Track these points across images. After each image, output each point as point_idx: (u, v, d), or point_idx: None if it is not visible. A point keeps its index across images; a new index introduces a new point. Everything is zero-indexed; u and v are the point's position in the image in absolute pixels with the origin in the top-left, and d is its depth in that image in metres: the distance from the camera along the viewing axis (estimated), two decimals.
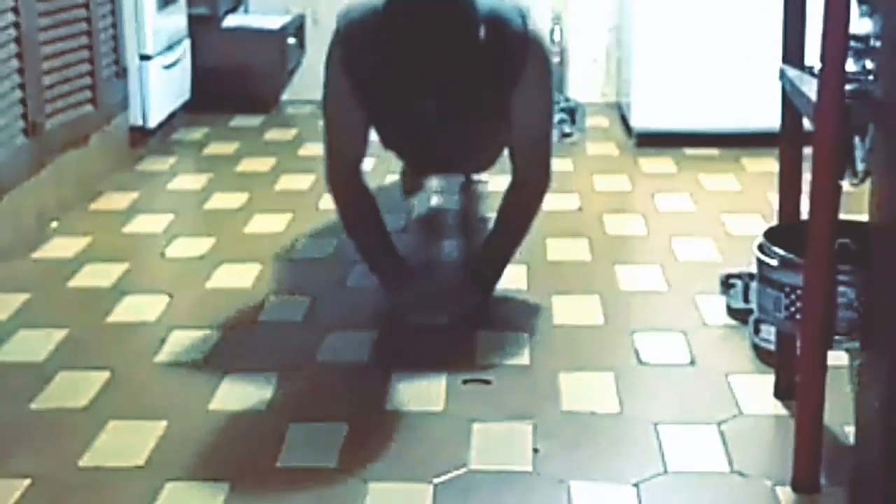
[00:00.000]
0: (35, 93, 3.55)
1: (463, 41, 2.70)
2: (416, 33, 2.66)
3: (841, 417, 2.32)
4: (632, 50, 4.62)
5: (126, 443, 2.36)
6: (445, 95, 2.78)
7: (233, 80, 5.10)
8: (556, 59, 5.22)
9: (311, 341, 2.84)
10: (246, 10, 5.45)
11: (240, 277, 3.25)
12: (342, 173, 3.05)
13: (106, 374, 2.66)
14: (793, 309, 2.15)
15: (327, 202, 3.82)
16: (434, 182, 4.00)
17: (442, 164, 3.45)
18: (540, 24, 2.98)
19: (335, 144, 3.05)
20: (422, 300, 3.03)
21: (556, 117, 4.74)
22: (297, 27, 5.31)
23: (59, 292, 3.18)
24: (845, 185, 2.07)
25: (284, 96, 5.41)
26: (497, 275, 3.06)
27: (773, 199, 2.59)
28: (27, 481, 2.22)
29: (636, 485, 2.20)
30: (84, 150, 3.98)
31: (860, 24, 2.03)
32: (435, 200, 3.88)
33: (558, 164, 4.29)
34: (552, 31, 5.22)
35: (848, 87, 1.99)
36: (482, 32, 2.74)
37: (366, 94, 2.87)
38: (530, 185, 3.03)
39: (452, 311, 2.98)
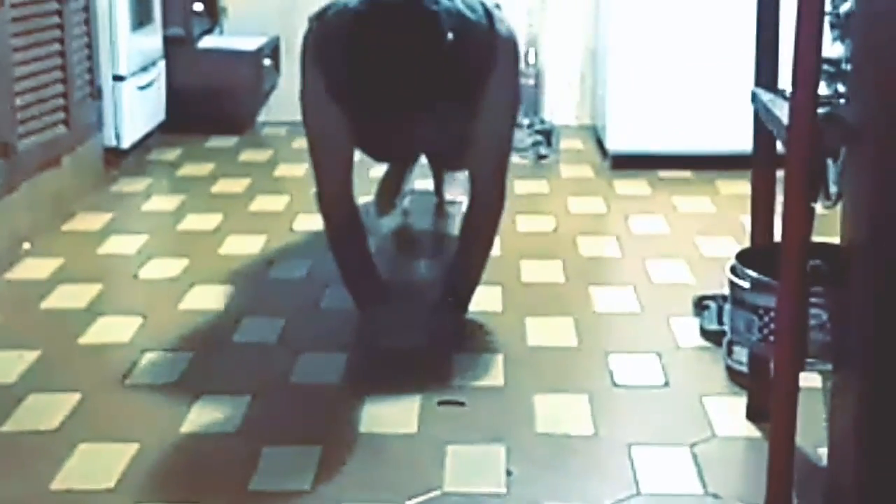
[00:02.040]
0: (8, 113, 3.54)
1: (429, 49, 2.70)
2: (384, 42, 2.67)
3: (814, 439, 2.32)
4: (607, 73, 4.64)
5: (97, 465, 2.34)
6: (414, 97, 2.78)
7: (208, 102, 5.09)
8: (531, 82, 5.25)
9: (285, 363, 2.83)
10: (221, 32, 5.45)
11: (213, 299, 3.24)
12: (332, 187, 3.05)
13: (77, 396, 2.64)
14: (765, 331, 2.16)
15: (302, 223, 3.83)
16: (408, 203, 4.00)
17: (413, 152, 3.47)
18: (507, 20, 2.99)
19: (321, 160, 3.05)
20: (396, 321, 3.02)
21: (531, 139, 4.75)
22: (273, 49, 5.31)
23: (31, 313, 3.16)
24: (818, 207, 2.08)
25: (260, 118, 5.41)
26: (468, 295, 3.06)
27: (747, 221, 2.60)
28: None
29: None
30: (57, 171, 3.96)
31: (832, 48, 2.04)
32: (409, 221, 3.88)
33: (533, 186, 4.31)
34: (527, 54, 5.24)
35: (820, 110, 2.00)
36: (449, 36, 2.74)
37: (337, 89, 2.87)
38: (487, 202, 3.06)
39: (426, 333, 2.97)
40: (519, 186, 4.26)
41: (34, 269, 3.47)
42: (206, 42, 5.22)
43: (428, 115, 2.88)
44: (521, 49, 3.00)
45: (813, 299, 2.08)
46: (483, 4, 2.94)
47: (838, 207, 1.99)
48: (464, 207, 3.54)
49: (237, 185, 4.38)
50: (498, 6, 3.03)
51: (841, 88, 2.03)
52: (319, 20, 2.93)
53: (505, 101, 2.99)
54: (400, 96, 2.73)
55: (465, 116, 2.94)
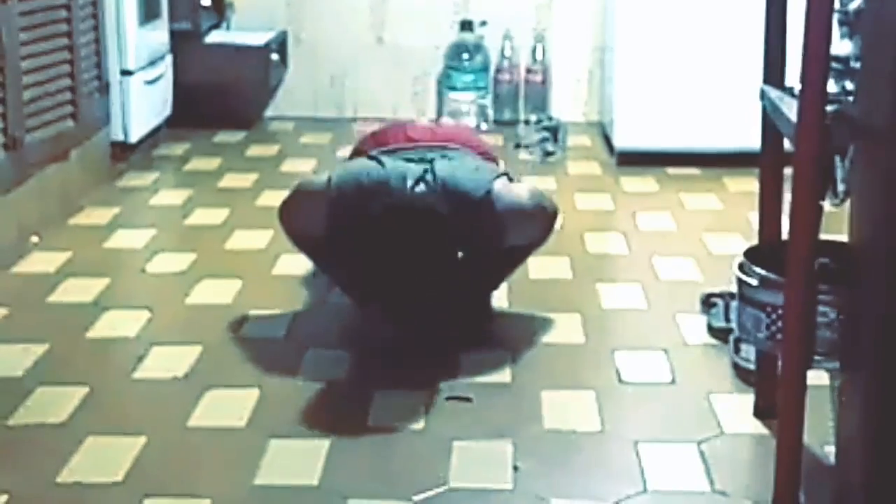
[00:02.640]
0: (15, 107, 3.54)
1: (441, 257, 2.80)
2: (399, 245, 2.78)
3: (821, 437, 2.32)
4: (614, 69, 4.64)
5: (104, 459, 2.35)
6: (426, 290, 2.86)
7: (215, 96, 5.09)
8: (539, 79, 5.25)
9: (292, 358, 2.83)
10: (229, 27, 5.45)
11: (220, 293, 3.24)
12: (298, 223, 3.03)
13: (85, 390, 2.65)
14: (773, 328, 2.16)
15: None
16: None
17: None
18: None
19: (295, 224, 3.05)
20: (405, 317, 3.02)
21: (539, 136, 4.75)
22: (280, 43, 5.31)
23: (38, 307, 3.16)
24: (826, 205, 2.08)
25: (267, 112, 5.41)
26: (487, 296, 3.08)
27: (754, 218, 2.60)
28: (4, 497, 2.20)
29: (616, 503, 2.19)
30: (65, 165, 3.97)
31: (841, 45, 2.04)
32: None
33: (540, 183, 4.30)
34: (535, 50, 5.24)
35: (828, 107, 2.00)
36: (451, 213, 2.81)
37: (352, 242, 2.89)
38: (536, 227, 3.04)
39: (434, 328, 2.97)
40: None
41: (42, 262, 3.48)
42: (214, 37, 5.22)
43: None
44: (528, 216, 2.97)
45: (821, 297, 2.08)
46: (487, 183, 2.91)
47: (846, 205, 1.99)
48: None
49: (244, 180, 4.39)
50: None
51: (849, 86, 2.03)
52: (340, 180, 2.92)
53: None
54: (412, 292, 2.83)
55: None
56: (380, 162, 2.92)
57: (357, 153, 3.18)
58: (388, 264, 2.80)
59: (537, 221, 2.97)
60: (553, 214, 3.03)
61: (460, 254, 2.89)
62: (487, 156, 3.19)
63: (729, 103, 4.40)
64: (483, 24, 5.18)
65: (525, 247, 3.01)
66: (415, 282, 2.80)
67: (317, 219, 2.89)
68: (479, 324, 3.04)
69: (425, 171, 2.87)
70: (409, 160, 2.93)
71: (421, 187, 2.84)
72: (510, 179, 2.99)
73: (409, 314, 2.89)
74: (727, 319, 2.90)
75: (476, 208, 2.84)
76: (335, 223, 2.87)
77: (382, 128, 3.32)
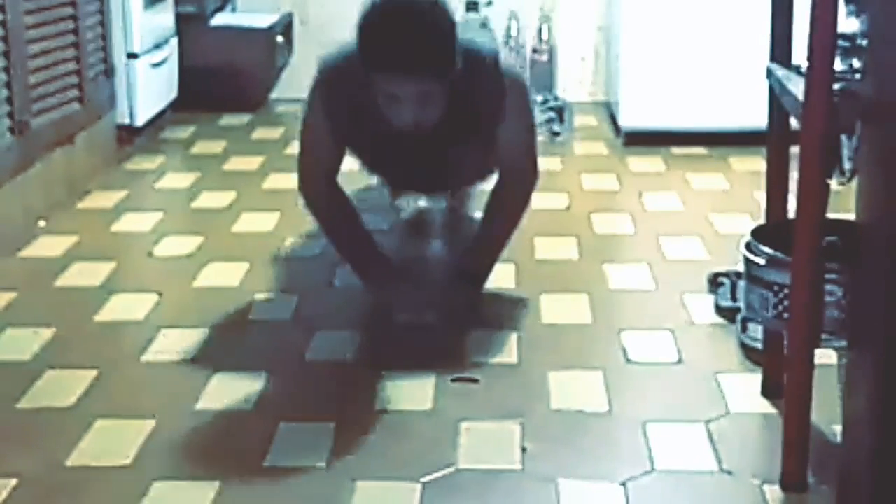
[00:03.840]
0: (21, 91, 3.54)
1: (440, 71, 2.70)
2: (395, 60, 2.67)
3: (828, 416, 2.32)
4: (620, 49, 4.63)
5: (113, 442, 2.36)
6: (426, 130, 2.79)
7: (221, 79, 5.09)
8: (544, 59, 5.24)
9: (300, 340, 2.84)
10: (234, 9, 5.44)
11: (228, 276, 3.25)
12: (314, 182, 3.05)
13: (93, 374, 2.65)
14: (780, 307, 2.16)
15: None
16: None
17: (427, 188, 3.48)
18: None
19: (308, 160, 3.07)
20: (408, 299, 3.02)
21: (545, 116, 4.74)
22: (286, 26, 5.30)
23: (46, 291, 3.17)
24: (833, 183, 2.07)
25: (272, 95, 5.41)
26: (486, 273, 3.06)
27: (761, 197, 2.59)
28: (14, 481, 2.21)
29: (624, 483, 2.20)
30: (71, 149, 3.97)
31: (847, 22, 2.03)
32: (422, 200, 3.87)
33: (547, 164, 4.29)
34: (540, 30, 5.23)
35: (835, 85, 2.00)
36: (459, 65, 2.74)
37: (346, 134, 2.91)
38: (518, 181, 3.03)
39: (441, 310, 2.98)
40: None
41: (49, 246, 3.49)
42: (219, 19, 5.21)
43: (438, 152, 2.89)
44: (530, 92, 2.98)
45: (828, 276, 2.08)
46: (490, 47, 2.93)
47: (853, 184, 1.99)
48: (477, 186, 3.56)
49: (250, 163, 4.39)
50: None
51: (856, 64, 2.02)
52: (327, 62, 2.94)
53: (522, 129, 2.99)
54: (412, 127, 2.75)
55: (478, 154, 2.96)
56: None
57: None
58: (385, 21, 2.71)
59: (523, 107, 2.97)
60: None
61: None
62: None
63: (735, 82, 4.39)
64: (489, 3, 5.17)
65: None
66: (412, 107, 2.73)
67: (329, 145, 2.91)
68: (482, 306, 3.03)
69: None
70: None
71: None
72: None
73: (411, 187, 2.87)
74: (734, 299, 2.90)
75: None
76: (332, 104, 2.87)
77: None
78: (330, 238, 3.12)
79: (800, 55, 2.16)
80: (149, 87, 4.52)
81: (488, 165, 3.10)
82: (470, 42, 2.86)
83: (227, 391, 2.58)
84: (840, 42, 2.01)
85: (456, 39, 2.72)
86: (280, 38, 5.20)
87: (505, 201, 3.06)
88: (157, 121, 4.73)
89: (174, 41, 4.88)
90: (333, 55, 2.93)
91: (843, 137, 2.02)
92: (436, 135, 2.81)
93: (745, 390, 2.55)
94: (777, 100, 2.36)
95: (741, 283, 2.32)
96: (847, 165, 2.03)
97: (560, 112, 4.78)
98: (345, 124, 2.90)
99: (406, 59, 2.65)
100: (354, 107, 2.84)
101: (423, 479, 2.21)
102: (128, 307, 3.03)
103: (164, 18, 4.77)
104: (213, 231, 3.63)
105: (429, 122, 2.76)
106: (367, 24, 2.70)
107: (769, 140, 2.47)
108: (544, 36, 5.24)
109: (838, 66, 2.01)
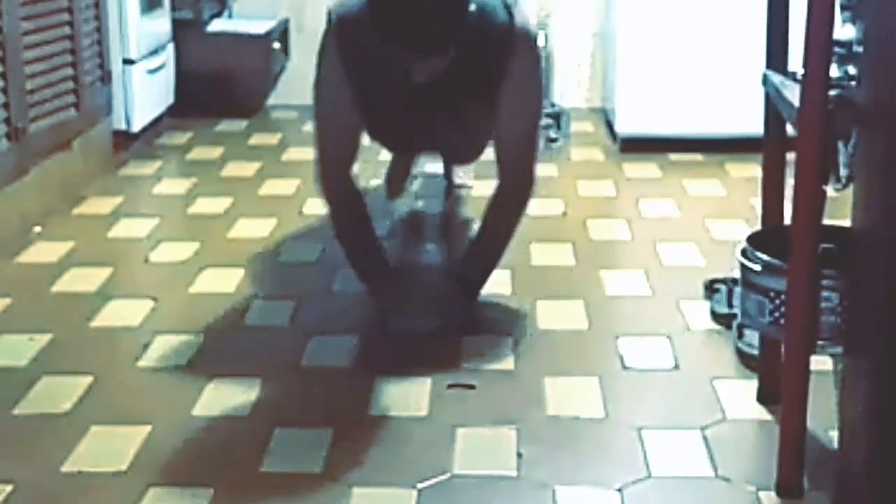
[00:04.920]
0: (18, 97, 3.54)
1: (451, 15, 2.66)
2: (405, 39, 2.65)
3: (825, 422, 2.32)
4: (616, 55, 4.63)
5: (109, 448, 2.35)
6: (435, 76, 2.76)
7: (217, 85, 5.09)
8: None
9: (296, 346, 2.84)
10: (230, 15, 5.45)
11: (224, 282, 3.25)
12: (333, 174, 3.04)
13: (89, 379, 2.65)
14: (776, 314, 2.16)
15: (311, 207, 3.83)
16: (418, 187, 4.00)
17: (429, 146, 3.44)
18: (527, 15, 2.97)
19: (327, 146, 3.04)
20: (407, 305, 3.03)
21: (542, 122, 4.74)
22: (282, 32, 5.30)
23: (42, 297, 3.17)
24: (829, 189, 2.08)
25: (269, 101, 5.41)
26: (483, 279, 3.06)
27: (757, 204, 2.59)
28: (9, 487, 2.21)
29: (620, 489, 2.20)
30: (67, 155, 3.97)
31: (843, 29, 2.04)
32: (419, 205, 3.88)
33: (543, 170, 4.29)
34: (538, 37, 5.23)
35: (831, 92, 2.00)
36: (471, 10, 2.71)
37: (358, 79, 2.87)
38: (516, 189, 3.03)
39: (437, 316, 2.97)
40: None
41: (45, 252, 3.48)
42: (216, 25, 5.21)
43: (446, 105, 2.88)
44: (541, 46, 2.96)
45: (824, 282, 2.08)
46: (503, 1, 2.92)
47: (849, 190, 1.99)
48: (473, 192, 3.56)
49: (247, 169, 4.39)
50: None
51: (852, 70, 2.02)
52: (338, 9, 2.91)
53: (528, 93, 2.95)
54: (421, 70, 2.71)
55: (483, 112, 2.92)
56: None
57: None
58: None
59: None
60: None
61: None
62: None
63: (731, 88, 4.39)
64: None
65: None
66: (422, 45, 2.68)
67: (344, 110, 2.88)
68: (478, 312, 3.03)
69: None
70: None
71: None
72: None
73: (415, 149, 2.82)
74: (730, 305, 2.91)
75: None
76: (346, 53, 2.84)
77: None
78: (339, 236, 3.12)
79: (796, 62, 2.16)
80: (145, 93, 4.52)
81: (488, 130, 3.05)
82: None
83: (223, 397, 2.58)
84: (836, 49, 2.01)
85: (467, 12, 2.69)
86: (277, 45, 5.20)
87: (503, 210, 3.06)
88: (154, 127, 4.73)
89: (171, 47, 4.88)
90: (346, 4, 2.91)
91: (839, 144, 2.02)
92: (443, 82, 2.78)
93: (742, 396, 2.55)
94: (773, 106, 2.36)
95: (737, 290, 2.33)
96: (843, 172, 2.03)
97: (556, 118, 4.78)
98: (356, 74, 2.86)
99: (416, 40, 2.63)
100: (365, 55, 2.81)
101: (418, 486, 2.21)
102: (124, 313, 3.03)
103: (161, 24, 4.77)
104: (210, 237, 3.63)
105: (437, 71, 2.74)
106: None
107: (765, 146, 2.47)
108: (541, 42, 5.24)
109: (834, 72, 2.02)
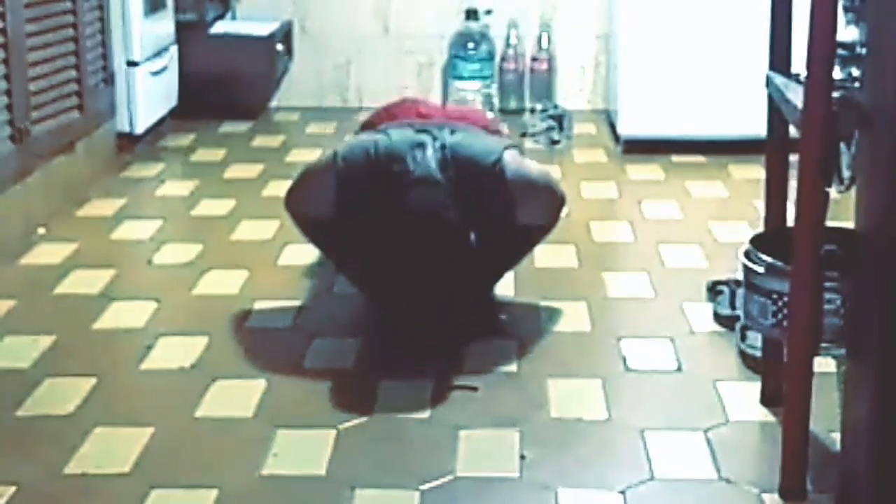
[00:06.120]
0: (21, 99, 3.54)
1: (455, 259, 2.74)
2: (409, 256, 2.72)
3: (827, 424, 2.32)
4: (619, 57, 4.63)
5: (112, 450, 2.35)
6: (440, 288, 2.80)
7: (220, 87, 5.09)
8: (544, 67, 5.24)
9: (299, 348, 2.84)
10: (234, 17, 5.45)
11: (227, 284, 3.25)
12: (301, 201, 3.02)
13: (92, 381, 2.65)
14: (779, 316, 2.16)
15: None
16: None
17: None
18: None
19: (306, 183, 3.03)
20: (410, 307, 3.02)
21: (544, 124, 4.75)
22: (286, 34, 5.30)
23: (45, 299, 3.17)
24: (831, 191, 2.08)
25: (272, 103, 5.41)
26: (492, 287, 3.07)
27: (760, 205, 2.59)
28: (12, 488, 2.21)
29: (623, 492, 2.19)
30: (71, 157, 3.97)
31: (846, 31, 2.04)
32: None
33: None
34: (540, 39, 5.23)
35: (834, 94, 2.00)
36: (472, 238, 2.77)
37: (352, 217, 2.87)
38: (545, 213, 3.02)
39: (440, 318, 2.97)
40: None
41: (48, 254, 3.49)
42: (219, 27, 5.22)
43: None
44: (541, 188, 2.99)
45: (827, 284, 2.08)
46: (492, 155, 2.88)
47: (852, 192, 1.99)
48: None
49: (250, 171, 4.39)
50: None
51: (855, 72, 2.02)
52: (346, 157, 2.89)
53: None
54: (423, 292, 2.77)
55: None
56: (387, 135, 2.90)
57: (368, 126, 3.17)
58: (395, 257, 2.76)
59: (545, 199, 2.94)
60: (561, 198, 3.01)
61: (472, 236, 2.79)
62: (499, 134, 3.18)
63: (734, 90, 4.39)
64: (488, 12, 5.17)
65: (532, 229, 2.96)
66: (423, 277, 2.75)
67: (325, 199, 2.86)
68: (483, 314, 3.03)
69: (434, 138, 2.85)
70: (420, 132, 2.91)
71: (429, 153, 2.80)
72: (521, 153, 2.96)
73: (415, 308, 2.82)
74: (733, 307, 2.90)
75: (485, 174, 2.81)
76: (344, 198, 2.83)
77: (395, 103, 3.31)
78: (322, 253, 3.13)
79: (799, 63, 2.16)
80: (149, 94, 4.53)
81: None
82: (471, 156, 2.85)
83: (226, 398, 2.58)
84: (839, 51, 2.01)
85: (467, 261, 2.75)
86: (280, 46, 5.20)
87: (530, 229, 3.01)
88: (157, 128, 4.73)
89: (174, 49, 4.88)
90: (353, 154, 2.89)
91: (842, 145, 2.02)
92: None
93: (745, 398, 2.55)
94: (776, 108, 2.36)
95: (740, 292, 2.32)
96: (846, 173, 2.03)
97: (559, 120, 4.78)
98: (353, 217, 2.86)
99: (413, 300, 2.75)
100: (364, 200, 2.82)
101: (421, 487, 2.21)
102: (127, 315, 3.03)
103: (165, 26, 4.77)
104: (213, 239, 3.63)
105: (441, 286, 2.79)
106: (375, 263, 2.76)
107: (768, 148, 2.47)
108: (544, 44, 5.24)
109: (837, 74, 2.01)
